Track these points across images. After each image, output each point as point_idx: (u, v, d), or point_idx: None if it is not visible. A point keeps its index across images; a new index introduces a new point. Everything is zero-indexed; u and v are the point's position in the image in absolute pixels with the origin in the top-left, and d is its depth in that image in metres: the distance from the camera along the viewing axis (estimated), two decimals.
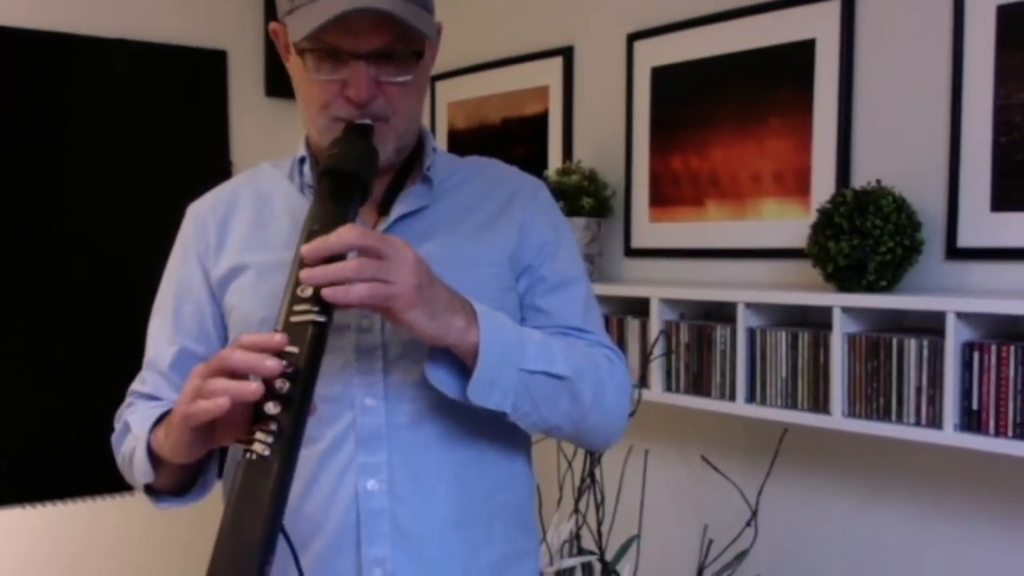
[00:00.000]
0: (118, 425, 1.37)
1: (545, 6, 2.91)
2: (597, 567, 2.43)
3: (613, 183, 2.67)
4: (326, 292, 1.03)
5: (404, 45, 1.20)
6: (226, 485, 1.32)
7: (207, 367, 1.06)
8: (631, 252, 2.65)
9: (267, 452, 0.99)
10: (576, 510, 2.47)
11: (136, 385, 1.40)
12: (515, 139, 2.99)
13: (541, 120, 2.91)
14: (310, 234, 1.09)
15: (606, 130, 2.73)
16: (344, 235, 1.06)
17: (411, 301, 1.09)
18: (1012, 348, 1.75)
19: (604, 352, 1.35)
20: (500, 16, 3.06)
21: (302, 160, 1.34)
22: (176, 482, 1.26)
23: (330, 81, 1.21)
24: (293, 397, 1.01)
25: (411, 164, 1.34)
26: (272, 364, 1.00)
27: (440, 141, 3.24)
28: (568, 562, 2.37)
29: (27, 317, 3.12)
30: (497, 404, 1.20)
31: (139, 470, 1.24)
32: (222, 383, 1.02)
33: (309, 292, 1.05)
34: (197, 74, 3.42)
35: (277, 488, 0.98)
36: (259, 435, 0.99)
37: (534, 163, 2.89)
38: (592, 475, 2.43)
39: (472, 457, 1.28)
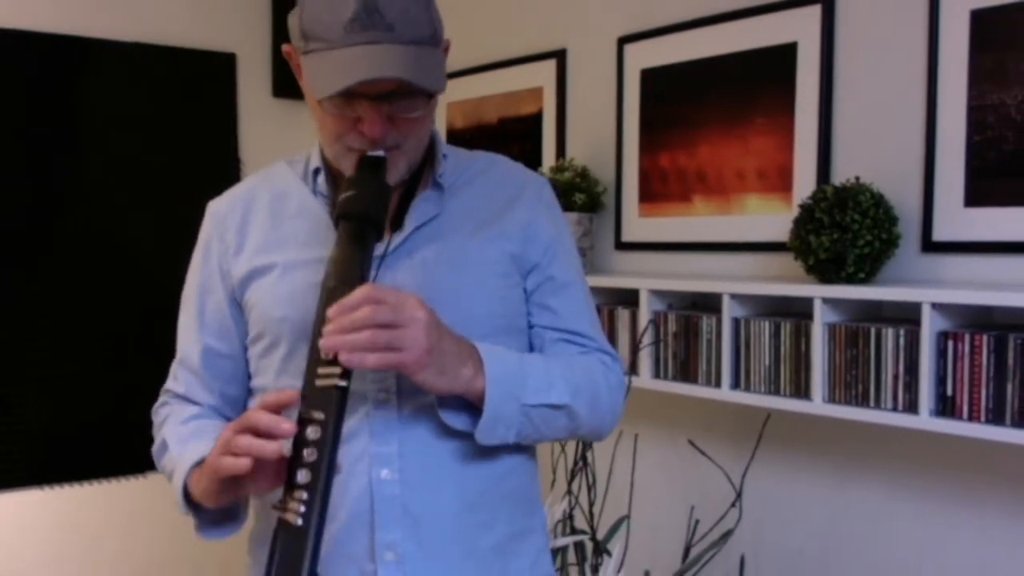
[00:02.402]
0: (156, 431, 1.38)
1: (539, 11, 2.90)
2: (589, 546, 2.42)
3: (604, 180, 2.66)
4: (343, 358, 1.08)
5: (416, 87, 1.18)
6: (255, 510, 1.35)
7: (238, 423, 1.11)
8: (621, 245, 2.64)
9: (300, 521, 1.04)
10: (569, 492, 2.47)
11: (170, 383, 1.41)
12: (511, 138, 2.97)
13: (536, 120, 2.90)
14: (331, 292, 1.13)
15: (598, 129, 2.72)
16: (357, 320, 1.09)
17: (422, 364, 1.13)
18: (985, 337, 1.74)
19: (600, 357, 1.37)
20: (497, 21, 3.04)
21: (316, 171, 1.33)
22: (210, 511, 1.27)
23: (344, 116, 1.20)
24: (320, 465, 1.06)
25: (421, 170, 1.32)
26: (287, 426, 1.06)
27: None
28: (561, 541, 2.36)
29: (45, 308, 3.11)
30: (503, 439, 1.24)
31: (177, 502, 1.28)
32: (246, 441, 1.07)
33: (331, 355, 1.10)
34: (207, 76, 3.40)
35: (311, 553, 1.04)
36: (292, 504, 1.05)
37: (529, 161, 2.88)
38: (584, 458, 2.43)
39: (479, 448, 1.28)
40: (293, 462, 1.06)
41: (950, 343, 1.79)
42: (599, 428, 1.36)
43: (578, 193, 2.57)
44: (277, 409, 1.08)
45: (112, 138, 3.21)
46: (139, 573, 3.32)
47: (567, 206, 2.55)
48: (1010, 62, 1.85)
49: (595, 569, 2.32)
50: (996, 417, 1.73)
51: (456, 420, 1.23)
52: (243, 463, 1.07)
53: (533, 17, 2.92)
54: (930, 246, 1.98)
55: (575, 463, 2.45)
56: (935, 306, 1.80)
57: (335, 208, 1.19)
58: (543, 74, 2.87)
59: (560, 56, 2.81)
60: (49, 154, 3.11)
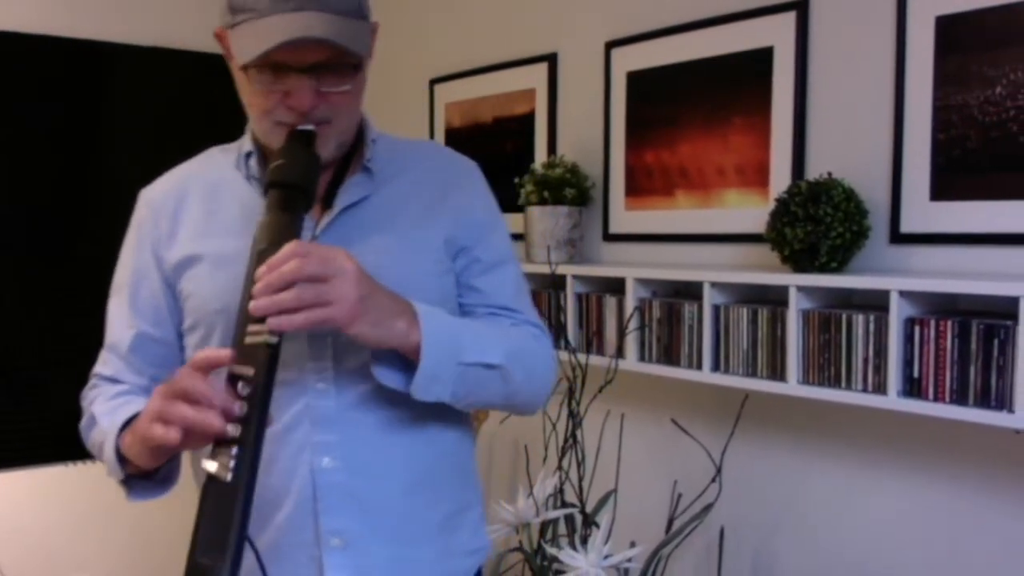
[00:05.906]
0: (85, 412, 1.30)
1: (532, 17, 2.88)
2: (578, 518, 2.42)
3: (593, 175, 2.65)
4: (271, 323, 1.00)
5: (343, 58, 1.13)
6: (194, 467, 1.27)
7: (168, 388, 1.02)
8: (609, 237, 2.63)
9: (229, 476, 0.95)
10: (559, 467, 2.46)
11: (99, 367, 1.34)
12: (505, 136, 2.96)
13: (528, 119, 2.89)
14: (260, 254, 1.05)
15: (586, 128, 2.70)
16: (285, 273, 1.01)
17: (353, 316, 1.06)
18: (949, 323, 1.74)
19: (530, 330, 1.31)
20: (492, 26, 3.03)
21: (248, 154, 1.28)
22: (143, 472, 1.20)
23: (272, 91, 1.14)
24: (251, 419, 0.98)
25: (351, 155, 1.27)
26: (226, 402, 0.97)
27: (438, 138, 3.21)
28: (552, 514, 2.36)
29: (64, 297, 3.10)
30: (438, 396, 1.17)
31: (108, 466, 1.19)
32: (180, 411, 0.99)
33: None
34: (219, 78, 3.38)
35: (241, 509, 0.96)
36: (221, 458, 0.96)
37: (522, 157, 2.87)
38: (574, 436, 2.42)
39: (417, 431, 1.24)
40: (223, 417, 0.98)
41: (917, 328, 1.78)
42: (532, 400, 1.30)
43: (568, 188, 2.56)
44: (208, 369, 1.01)
45: (130, 136, 3.19)
46: (154, 543, 3.32)
47: (558, 200, 2.55)
48: (972, 65, 1.84)
49: (584, 540, 2.32)
50: (960, 397, 1.73)
51: (390, 378, 1.16)
52: (173, 435, 0.99)
53: (526, 23, 2.90)
54: (898, 237, 1.98)
55: (565, 440, 2.44)
56: (902, 294, 1.79)
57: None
58: (535, 76, 2.85)
59: (551, 59, 2.80)
60: (71, 152, 3.09)
